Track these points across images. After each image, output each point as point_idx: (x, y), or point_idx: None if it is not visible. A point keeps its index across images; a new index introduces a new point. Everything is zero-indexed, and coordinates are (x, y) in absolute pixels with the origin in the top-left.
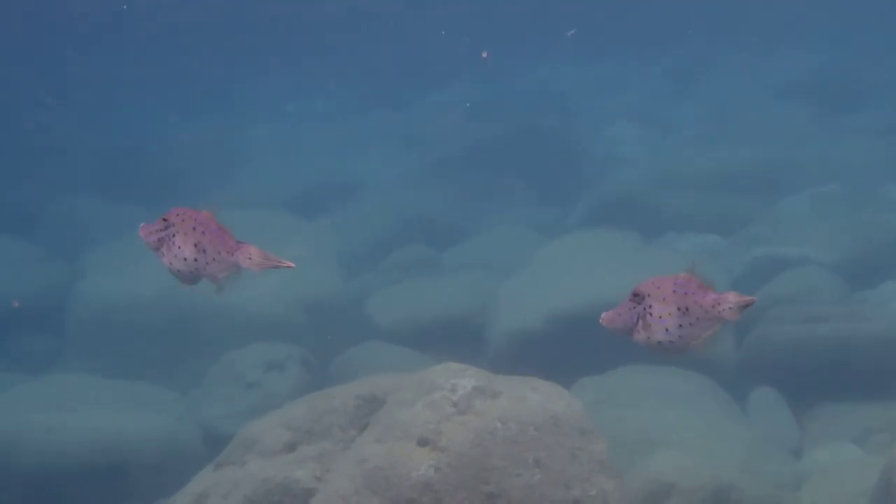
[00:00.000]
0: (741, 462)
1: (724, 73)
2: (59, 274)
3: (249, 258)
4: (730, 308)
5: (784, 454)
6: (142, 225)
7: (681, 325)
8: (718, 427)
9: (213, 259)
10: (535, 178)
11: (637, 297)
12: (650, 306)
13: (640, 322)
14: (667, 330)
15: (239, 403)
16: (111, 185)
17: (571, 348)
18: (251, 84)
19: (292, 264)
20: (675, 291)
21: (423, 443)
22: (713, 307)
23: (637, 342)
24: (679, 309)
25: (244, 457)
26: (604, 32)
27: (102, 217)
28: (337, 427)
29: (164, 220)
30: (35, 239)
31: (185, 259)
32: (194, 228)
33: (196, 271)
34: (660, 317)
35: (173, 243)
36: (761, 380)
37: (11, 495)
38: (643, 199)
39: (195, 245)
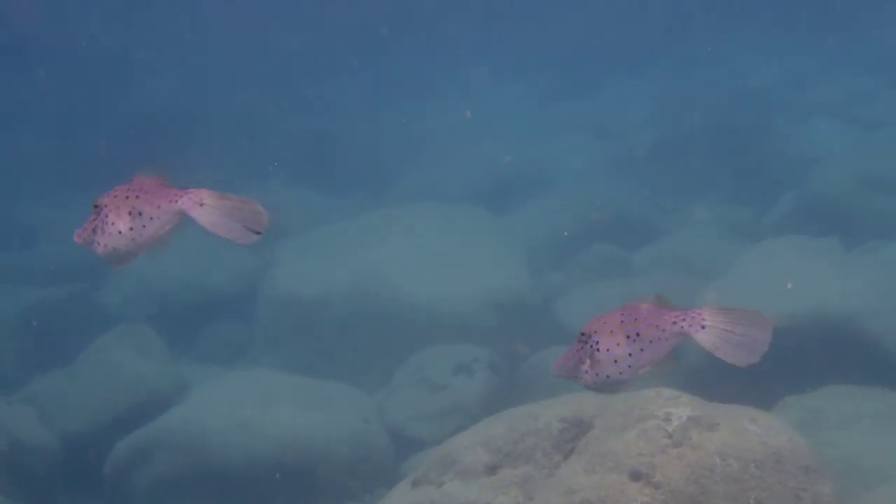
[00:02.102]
0: None
1: None
2: (252, 262)
3: (201, 203)
4: (703, 326)
5: None
6: (75, 232)
7: (630, 354)
8: None
9: (151, 217)
10: (728, 175)
11: (583, 336)
12: (596, 342)
13: (588, 361)
14: (616, 361)
15: (427, 406)
16: (308, 171)
17: (775, 363)
18: (441, 70)
19: (261, 209)
20: (622, 322)
21: (635, 476)
22: (673, 323)
23: (584, 383)
24: (628, 337)
25: (442, 476)
26: (800, 23)
27: (298, 204)
28: (540, 451)
29: (95, 206)
30: None
31: (121, 232)
32: (127, 197)
33: (133, 242)
34: (607, 349)
35: (107, 223)
36: None
37: (201, 491)
38: (846, 201)
39: (129, 213)
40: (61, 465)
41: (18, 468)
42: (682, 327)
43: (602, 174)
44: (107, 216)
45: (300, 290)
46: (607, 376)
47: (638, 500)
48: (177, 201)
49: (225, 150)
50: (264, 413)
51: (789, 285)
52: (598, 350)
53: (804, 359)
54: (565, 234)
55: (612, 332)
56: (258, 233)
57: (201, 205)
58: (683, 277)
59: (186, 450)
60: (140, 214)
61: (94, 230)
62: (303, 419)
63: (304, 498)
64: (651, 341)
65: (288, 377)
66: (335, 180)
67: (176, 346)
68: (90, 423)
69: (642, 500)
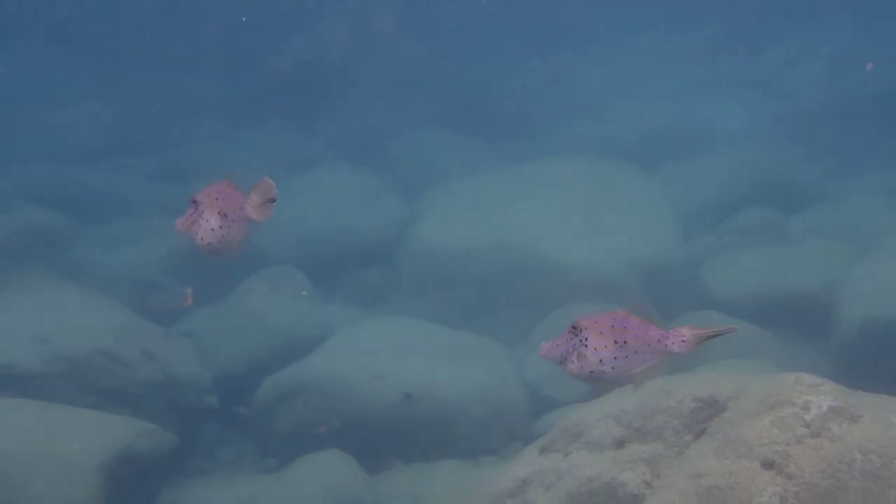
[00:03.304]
0: None
1: None
2: (401, 211)
3: (252, 205)
4: (682, 341)
5: None
6: (177, 222)
7: (615, 357)
8: None
9: (234, 220)
10: None
11: (575, 329)
12: (586, 339)
13: (575, 353)
14: (601, 361)
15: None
16: (458, 122)
17: None
18: (599, 20)
19: (272, 184)
20: (612, 326)
21: (767, 465)
22: (658, 341)
23: (569, 372)
24: (616, 342)
25: (570, 446)
26: None
27: (450, 151)
28: (670, 429)
29: (194, 201)
30: (384, 171)
31: (213, 229)
32: (217, 199)
33: (224, 238)
34: (595, 349)
35: (204, 219)
36: None
37: (339, 435)
38: None
39: (219, 213)
40: (213, 399)
41: (173, 400)
42: (665, 346)
43: (763, 135)
44: (202, 213)
45: (444, 241)
46: (591, 372)
47: (769, 489)
48: (244, 208)
49: (378, 99)
50: (403, 363)
51: None
52: (585, 346)
53: None
54: None
55: (601, 333)
56: (273, 200)
57: (252, 206)
58: (841, 246)
59: (326, 395)
60: (226, 216)
61: (193, 223)
62: (441, 371)
63: (438, 449)
64: (636, 352)
65: (429, 327)
66: (486, 131)
67: (323, 290)
68: (239, 359)
69: (773, 490)
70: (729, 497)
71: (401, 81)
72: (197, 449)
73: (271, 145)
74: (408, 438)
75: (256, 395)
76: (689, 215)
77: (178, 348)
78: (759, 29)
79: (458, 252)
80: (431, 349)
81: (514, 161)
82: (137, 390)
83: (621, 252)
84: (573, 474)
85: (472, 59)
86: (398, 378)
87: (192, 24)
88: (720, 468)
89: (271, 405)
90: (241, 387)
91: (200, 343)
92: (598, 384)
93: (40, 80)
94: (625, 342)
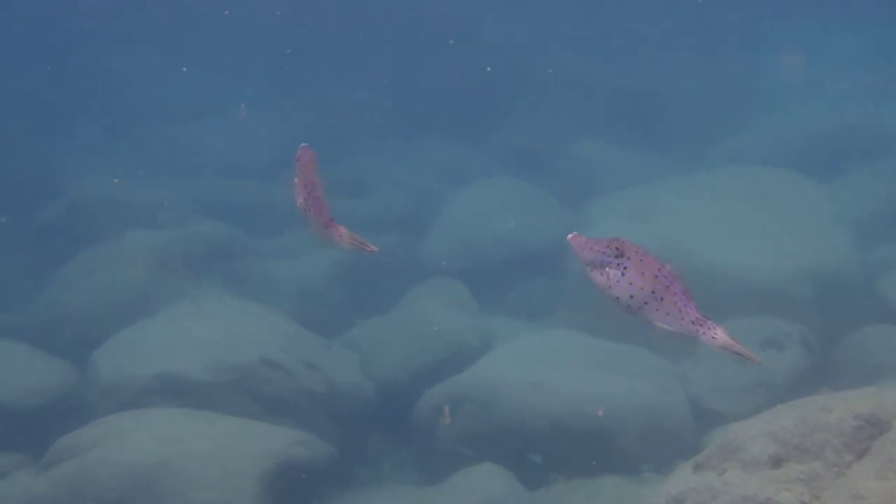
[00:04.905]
0: None
1: None
2: (565, 221)
3: (340, 237)
4: (713, 337)
5: None
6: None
7: (646, 303)
8: None
9: (312, 220)
10: None
11: (618, 250)
12: (625, 268)
13: (609, 271)
14: (631, 296)
15: (731, 379)
16: (628, 131)
17: None
18: (778, 22)
19: (375, 248)
20: (656, 276)
21: None
22: (692, 323)
23: (593, 280)
24: (654, 293)
25: (725, 463)
26: None
27: (614, 163)
28: (830, 448)
29: (298, 158)
30: (549, 183)
31: (300, 204)
32: (305, 185)
33: (305, 217)
34: (630, 283)
35: (297, 189)
36: None
37: (490, 446)
38: None
39: (304, 199)
40: (375, 409)
41: (335, 410)
42: (697, 329)
43: None
44: (296, 182)
45: None
46: (616, 297)
47: None
48: (327, 228)
49: (545, 111)
50: (562, 374)
51: None
52: (623, 274)
53: None
54: None
55: (643, 274)
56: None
57: (340, 237)
58: None
59: (485, 405)
60: (308, 210)
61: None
62: (600, 384)
63: (595, 463)
64: (668, 313)
65: (590, 340)
66: (655, 140)
67: (488, 300)
68: (401, 370)
69: None
70: None
71: (567, 93)
72: (359, 459)
73: (440, 157)
74: (562, 450)
75: (419, 405)
76: (867, 224)
77: (341, 359)
78: None
79: None
80: (591, 361)
81: (679, 171)
82: (299, 400)
83: (790, 262)
84: (728, 493)
85: (638, 68)
86: (554, 388)
87: (361, 38)
88: (882, 490)
89: (433, 415)
90: (403, 398)
91: (364, 354)
92: (614, 306)
93: (215, 94)
94: (661, 298)
